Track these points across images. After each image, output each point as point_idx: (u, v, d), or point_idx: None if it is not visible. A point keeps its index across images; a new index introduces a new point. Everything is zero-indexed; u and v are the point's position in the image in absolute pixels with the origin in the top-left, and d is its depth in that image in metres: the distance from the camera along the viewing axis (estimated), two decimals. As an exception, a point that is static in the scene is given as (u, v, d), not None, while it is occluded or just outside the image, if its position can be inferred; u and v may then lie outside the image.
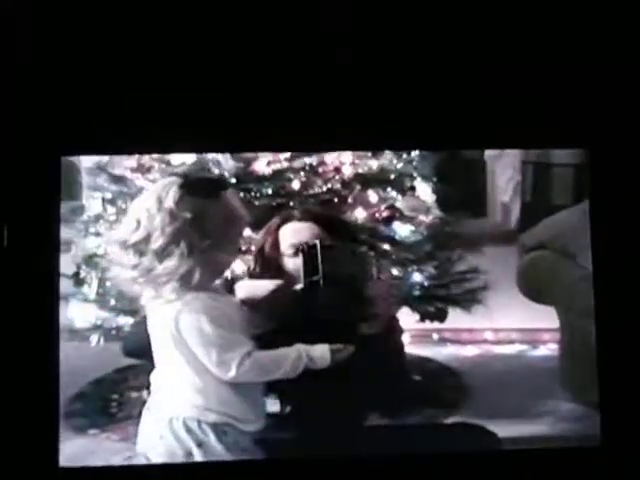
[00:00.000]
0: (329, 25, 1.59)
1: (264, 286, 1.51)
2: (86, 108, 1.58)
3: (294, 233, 1.54)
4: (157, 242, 1.41)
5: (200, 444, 1.44)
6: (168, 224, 1.40)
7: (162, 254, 1.41)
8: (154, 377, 1.48)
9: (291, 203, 1.72)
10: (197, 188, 1.44)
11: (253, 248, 1.58)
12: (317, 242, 1.49)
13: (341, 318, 1.48)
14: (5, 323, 1.52)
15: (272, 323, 1.49)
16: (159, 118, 1.57)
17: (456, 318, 1.87)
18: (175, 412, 1.45)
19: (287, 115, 1.59)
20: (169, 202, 1.41)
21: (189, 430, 1.44)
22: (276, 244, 1.54)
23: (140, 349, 1.52)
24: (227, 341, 1.42)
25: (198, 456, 1.44)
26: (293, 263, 1.52)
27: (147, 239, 1.41)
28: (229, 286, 1.48)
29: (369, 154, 1.79)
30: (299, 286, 1.48)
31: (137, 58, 1.60)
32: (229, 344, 1.42)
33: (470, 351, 1.96)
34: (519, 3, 1.62)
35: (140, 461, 1.51)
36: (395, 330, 1.53)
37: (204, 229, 1.42)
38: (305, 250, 1.48)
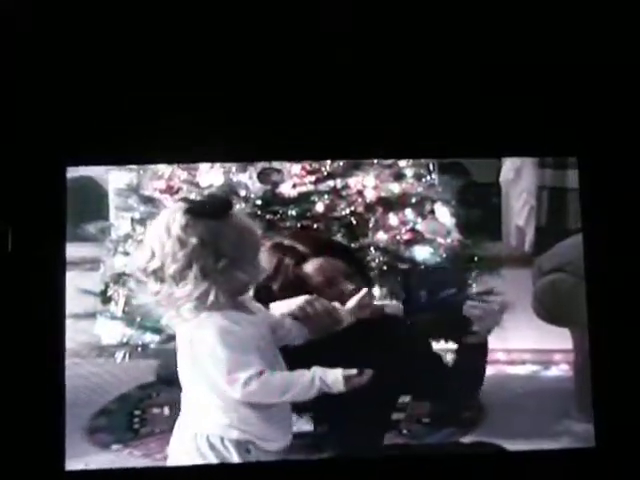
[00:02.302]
0: (329, 25, 1.62)
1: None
2: (93, 118, 1.62)
3: (320, 270, 1.58)
4: (171, 268, 1.44)
5: (223, 460, 1.47)
6: (178, 250, 1.43)
7: (178, 279, 1.44)
8: (183, 395, 1.51)
9: (315, 226, 1.75)
10: (202, 211, 1.46)
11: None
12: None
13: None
14: (12, 328, 1.56)
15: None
16: (165, 128, 1.61)
17: (469, 338, 1.90)
18: (199, 429, 1.48)
19: (285, 119, 1.64)
20: (176, 229, 1.44)
21: (212, 446, 1.47)
22: (300, 282, 1.57)
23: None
24: (235, 361, 1.44)
25: (222, 472, 1.47)
26: (332, 293, 1.57)
27: (162, 266, 1.45)
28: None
29: (391, 178, 1.83)
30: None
31: (144, 68, 1.64)
32: (237, 364, 1.44)
33: (483, 371, 1.98)
34: (512, 14, 1.67)
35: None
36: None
37: (217, 250, 1.44)
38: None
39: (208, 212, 1.46)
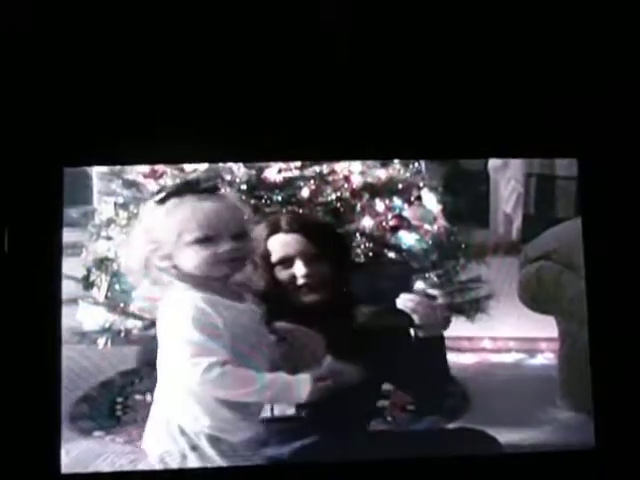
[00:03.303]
0: (329, 25, 1.61)
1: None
2: (90, 117, 1.61)
3: (282, 246, 1.57)
4: (149, 256, 1.48)
5: (194, 448, 1.47)
6: (148, 240, 1.48)
7: (157, 264, 1.47)
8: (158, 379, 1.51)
9: (300, 211, 1.74)
10: (168, 197, 1.49)
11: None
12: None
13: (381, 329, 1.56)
14: (6, 329, 1.55)
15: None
16: (162, 127, 1.60)
17: (456, 326, 1.89)
18: (172, 415, 1.48)
19: (283, 121, 1.62)
20: (146, 220, 1.49)
21: (183, 432, 1.47)
22: (266, 254, 1.57)
23: None
24: (200, 346, 1.42)
25: (192, 460, 1.47)
26: (285, 274, 1.57)
27: (143, 258, 1.48)
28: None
29: (378, 164, 1.81)
30: None
31: (140, 66, 1.63)
32: (203, 349, 1.42)
33: (469, 359, 1.98)
34: (516, 15, 1.66)
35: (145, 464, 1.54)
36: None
37: (147, 235, 1.48)
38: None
39: (174, 196, 1.48)
